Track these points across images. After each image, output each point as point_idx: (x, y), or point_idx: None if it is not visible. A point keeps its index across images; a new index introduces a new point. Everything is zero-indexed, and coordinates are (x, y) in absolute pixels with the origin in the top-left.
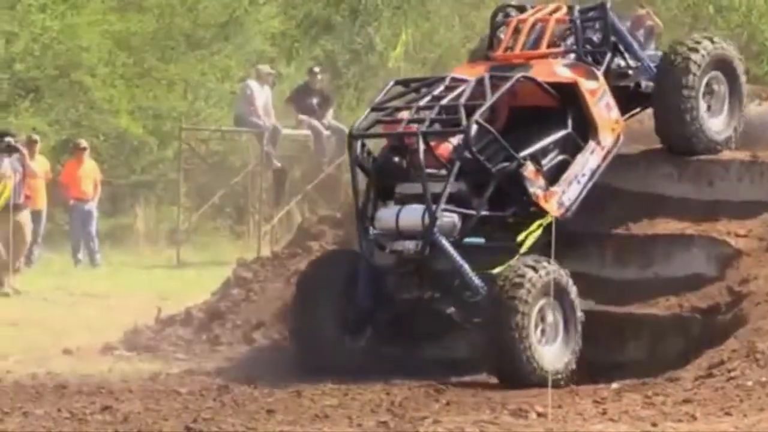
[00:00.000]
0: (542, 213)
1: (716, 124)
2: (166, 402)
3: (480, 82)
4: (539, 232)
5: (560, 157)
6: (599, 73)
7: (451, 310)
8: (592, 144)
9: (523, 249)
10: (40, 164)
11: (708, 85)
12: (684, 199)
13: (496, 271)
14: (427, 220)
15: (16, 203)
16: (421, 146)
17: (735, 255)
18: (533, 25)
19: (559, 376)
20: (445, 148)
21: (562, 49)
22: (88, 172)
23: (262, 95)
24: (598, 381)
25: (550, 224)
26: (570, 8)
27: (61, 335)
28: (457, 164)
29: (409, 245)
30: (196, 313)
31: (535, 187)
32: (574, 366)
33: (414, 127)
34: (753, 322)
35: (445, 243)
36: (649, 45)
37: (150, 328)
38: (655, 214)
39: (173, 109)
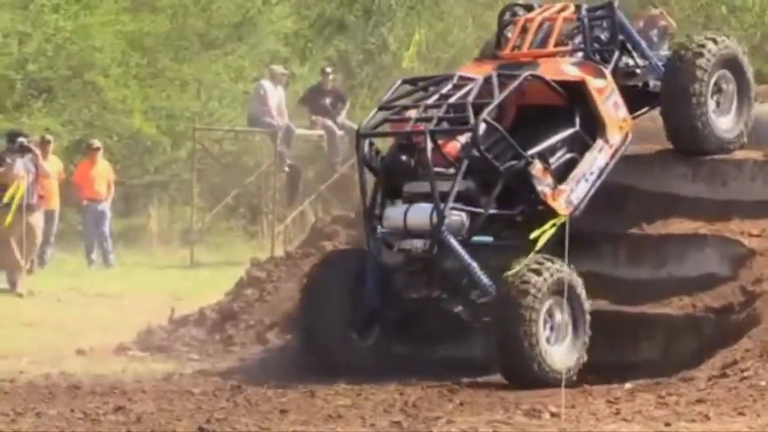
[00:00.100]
0: (550, 211)
1: (725, 122)
2: (180, 402)
3: (488, 80)
4: (552, 231)
5: (568, 156)
6: (607, 72)
7: (459, 309)
8: (600, 142)
9: (538, 247)
10: (53, 164)
11: (716, 84)
12: (697, 199)
13: (512, 272)
14: (435, 218)
15: (29, 203)
16: (429, 145)
17: (748, 255)
18: (541, 23)
19: (570, 374)
20: (453, 146)
21: (569, 47)
22: (102, 172)
23: (275, 95)
24: (612, 381)
25: (563, 223)
26: (578, 7)
27: (74, 335)
28: (465, 162)
29: (417, 244)
30: (209, 314)
31: (543, 185)
32: (582, 364)
33: (422, 125)
34: (766, 322)
35: (453, 242)
36: (662, 45)
37: (163, 328)
38: (669, 213)
39: (186, 109)
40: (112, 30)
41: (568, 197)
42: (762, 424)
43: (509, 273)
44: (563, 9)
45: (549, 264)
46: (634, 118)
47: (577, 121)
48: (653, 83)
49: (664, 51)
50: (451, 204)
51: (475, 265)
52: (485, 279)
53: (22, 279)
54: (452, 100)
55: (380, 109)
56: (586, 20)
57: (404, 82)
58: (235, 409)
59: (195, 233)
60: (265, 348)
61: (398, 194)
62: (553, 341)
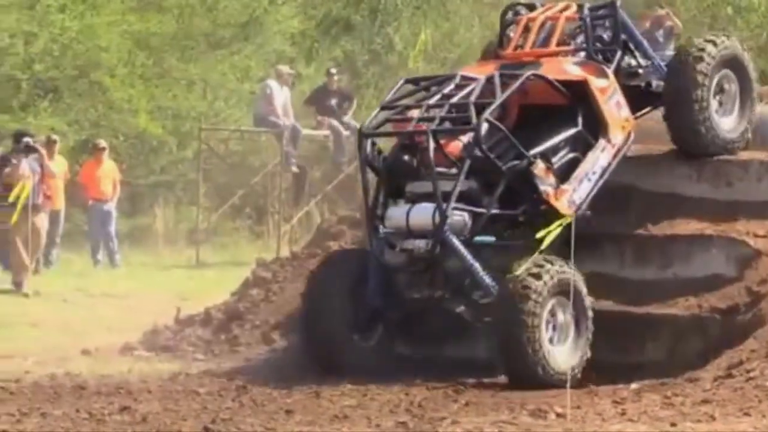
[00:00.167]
0: (553, 211)
1: (727, 122)
2: (185, 402)
3: (490, 80)
4: (558, 231)
5: (571, 155)
6: (609, 71)
7: (461, 309)
8: (602, 142)
9: (542, 247)
10: (59, 164)
11: (719, 84)
12: (703, 200)
13: (520, 271)
14: (437, 218)
15: (34, 204)
16: (431, 145)
17: (754, 255)
18: (543, 23)
19: (573, 374)
20: (455, 146)
21: (572, 47)
22: (107, 172)
23: (281, 95)
24: (618, 381)
25: (569, 223)
26: (580, 6)
27: (80, 336)
28: (468, 162)
29: (420, 244)
30: (215, 314)
31: (546, 185)
32: (585, 364)
33: (424, 125)
34: None
35: (456, 242)
36: (668, 45)
37: (169, 328)
38: (675, 214)
39: (193, 109)
40: (118, 30)
41: (571, 197)
42: (767, 424)
43: (512, 273)
44: (566, 8)
45: (551, 264)
46: (636, 118)
47: (580, 120)
48: (656, 83)
49: (670, 51)
50: (453, 204)
51: (477, 265)
52: (488, 279)
53: (27, 279)
54: (454, 99)
55: (382, 108)
56: (588, 20)
57: (407, 81)
58: (241, 410)
59: (201, 233)
60: (271, 348)
61: (401, 194)
62: (555, 341)
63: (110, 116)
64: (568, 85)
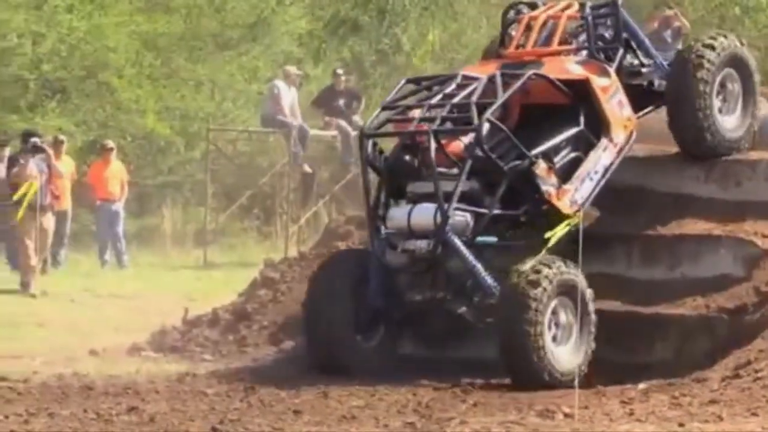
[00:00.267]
0: (555, 211)
1: (730, 122)
2: (193, 403)
3: (491, 79)
4: (565, 231)
5: (573, 155)
6: (611, 70)
7: (463, 310)
8: (604, 141)
9: (550, 244)
10: (66, 165)
11: (721, 83)
12: (711, 200)
13: (522, 270)
14: (439, 219)
15: (42, 204)
16: (433, 145)
17: (762, 255)
18: (545, 22)
19: (575, 375)
20: (457, 146)
21: (573, 46)
22: (115, 172)
23: (289, 96)
24: (625, 381)
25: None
26: (582, 5)
27: (87, 336)
28: (469, 162)
29: (421, 244)
30: (222, 314)
31: (548, 185)
32: (588, 364)
33: (425, 125)
34: None
35: (458, 242)
36: (676, 45)
37: (177, 329)
38: (683, 214)
39: (200, 109)
40: (126, 30)
41: (573, 196)
42: None
43: (513, 273)
44: (567, 7)
45: (553, 264)
46: (638, 117)
47: (582, 120)
48: (658, 82)
49: None
50: (455, 204)
51: (479, 266)
52: (490, 280)
53: (35, 280)
54: (456, 99)
55: (384, 108)
56: (590, 18)
57: (408, 81)
58: (249, 410)
59: (209, 234)
60: (279, 348)
61: (402, 194)
62: (558, 342)
63: (118, 117)
64: (570, 84)
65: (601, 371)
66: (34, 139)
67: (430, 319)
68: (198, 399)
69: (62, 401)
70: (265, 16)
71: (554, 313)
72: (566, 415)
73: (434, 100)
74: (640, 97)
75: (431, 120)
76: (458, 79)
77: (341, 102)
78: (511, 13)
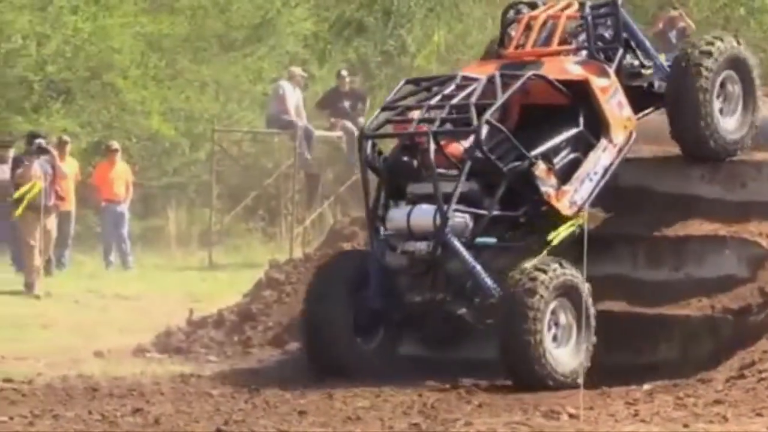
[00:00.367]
0: (554, 212)
1: (730, 124)
2: (198, 404)
3: (491, 80)
4: (569, 231)
5: (572, 156)
6: (611, 71)
7: (463, 311)
8: (604, 142)
9: (550, 247)
10: (70, 166)
11: (722, 84)
12: (716, 201)
13: (522, 271)
14: (438, 220)
15: (46, 205)
16: (432, 146)
17: (767, 256)
18: (545, 21)
19: (576, 376)
20: (456, 147)
21: (573, 46)
22: (120, 173)
23: (294, 97)
24: (630, 382)
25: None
26: (581, 5)
27: (92, 337)
28: (468, 164)
29: (421, 246)
30: (227, 315)
31: (547, 186)
32: (589, 365)
33: (424, 126)
34: None
35: (457, 244)
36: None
37: (182, 330)
38: (688, 215)
39: (205, 110)
40: (130, 31)
41: (572, 197)
42: None
43: (513, 275)
44: (567, 6)
45: (549, 268)
46: (638, 118)
47: (581, 120)
48: (658, 84)
49: None
50: (454, 206)
51: (479, 267)
52: (489, 281)
53: (39, 281)
54: (455, 100)
55: (383, 109)
56: (589, 18)
57: (407, 82)
58: (254, 411)
59: (213, 235)
60: (284, 350)
61: (401, 195)
62: (558, 342)
63: (123, 118)
64: (570, 84)
65: (606, 372)
66: (38, 141)
67: (430, 320)
68: (203, 400)
69: (67, 403)
70: (270, 17)
71: (553, 313)
72: (571, 416)
73: (433, 101)
74: (639, 98)
75: (431, 121)
76: (457, 80)
77: (346, 103)
78: (511, 13)
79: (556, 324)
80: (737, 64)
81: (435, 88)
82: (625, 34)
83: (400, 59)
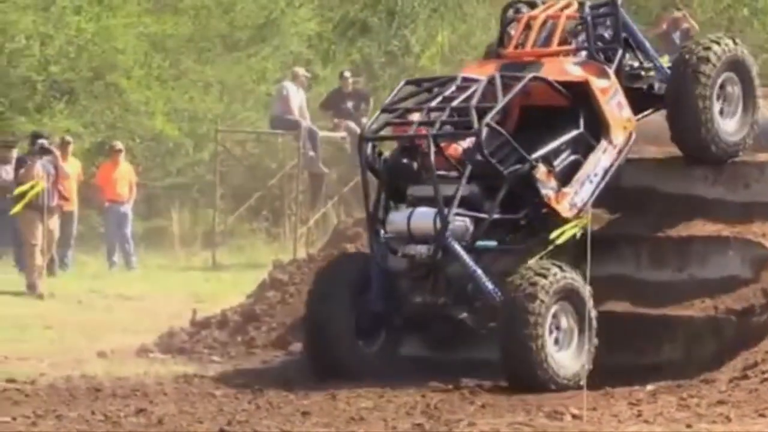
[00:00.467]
0: (554, 214)
1: (730, 125)
2: (201, 404)
3: (491, 81)
4: (573, 232)
5: (572, 158)
6: (611, 72)
7: (464, 315)
8: (604, 143)
9: (557, 243)
10: (72, 166)
11: (721, 86)
12: (720, 202)
13: (524, 278)
14: (439, 224)
15: (49, 206)
16: (432, 149)
17: None
18: (544, 21)
19: (578, 379)
20: (455, 149)
21: (573, 46)
22: (124, 174)
23: (297, 97)
24: (634, 383)
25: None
26: (581, 4)
27: (95, 338)
28: (469, 168)
29: (422, 249)
30: (231, 316)
31: (547, 188)
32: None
33: (425, 129)
34: None
35: (458, 248)
36: None
37: (185, 330)
38: (691, 216)
39: (209, 111)
40: (134, 32)
41: (572, 199)
42: None
43: (514, 278)
44: (566, 6)
45: (549, 273)
46: (638, 120)
47: (581, 122)
48: (658, 85)
49: None
50: (455, 209)
51: (480, 271)
52: (490, 285)
53: (42, 281)
54: (455, 103)
55: (383, 111)
56: (589, 18)
57: (407, 83)
58: (257, 412)
59: (217, 235)
60: (287, 350)
61: (402, 197)
62: (560, 345)
63: (126, 118)
64: (570, 85)
65: (609, 372)
66: (41, 141)
67: (432, 322)
68: (206, 401)
69: (70, 403)
70: (274, 17)
71: (555, 317)
72: (574, 417)
73: (433, 103)
74: (639, 99)
75: (431, 124)
76: (458, 81)
77: (349, 104)
78: (510, 12)
79: (558, 328)
80: (736, 66)
81: (435, 90)
82: (624, 35)
83: (404, 60)
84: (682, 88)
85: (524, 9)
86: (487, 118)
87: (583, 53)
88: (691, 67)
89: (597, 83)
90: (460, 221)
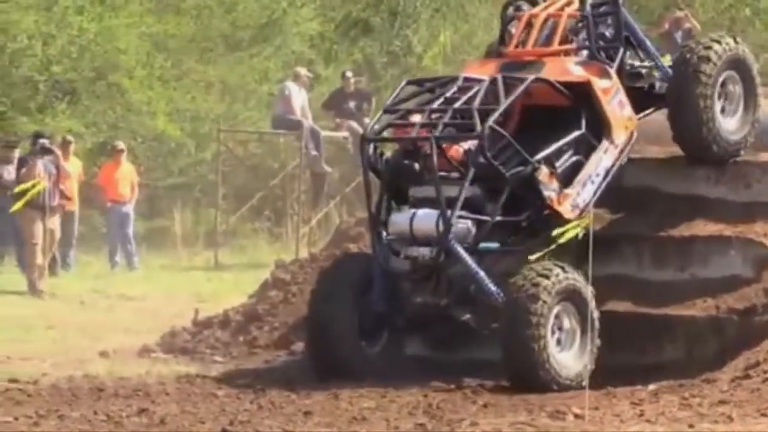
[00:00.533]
0: (556, 216)
1: (731, 124)
2: (203, 404)
3: (493, 82)
4: (575, 233)
5: (574, 158)
6: (612, 71)
7: (467, 317)
8: (605, 143)
9: (560, 242)
10: (73, 165)
11: (723, 85)
12: (721, 201)
13: (526, 279)
14: (441, 226)
15: (51, 205)
16: (435, 151)
17: None
18: (545, 20)
19: (581, 380)
20: (456, 150)
21: (574, 45)
22: (126, 174)
23: (299, 97)
24: (636, 382)
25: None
26: (582, 2)
27: (97, 338)
28: (472, 171)
29: (424, 251)
30: (233, 316)
31: (550, 190)
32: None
33: (427, 131)
34: None
35: (461, 250)
36: None
37: (187, 330)
38: (693, 216)
39: (211, 111)
40: (136, 32)
41: (574, 201)
42: None
43: (517, 280)
44: (568, 4)
45: (551, 273)
46: (638, 119)
47: (583, 122)
48: (659, 84)
49: None
50: (458, 212)
51: (482, 273)
52: (492, 287)
53: (43, 280)
54: (458, 104)
55: (385, 112)
56: (590, 17)
57: (409, 83)
58: (259, 412)
59: (219, 235)
60: (290, 350)
61: (404, 198)
62: (562, 346)
63: (128, 118)
64: (571, 86)
65: (611, 372)
66: (42, 141)
67: (434, 322)
68: (208, 400)
69: (72, 403)
70: (276, 17)
71: (557, 318)
72: (576, 416)
73: (435, 104)
74: (640, 99)
75: (433, 126)
76: (459, 82)
77: (352, 104)
78: (511, 10)
79: (560, 328)
80: (737, 65)
81: (437, 90)
82: (625, 33)
83: (406, 60)
84: (684, 87)
85: (525, 6)
86: (490, 121)
87: (584, 52)
88: (692, 66)
89: (599, 84)
90: (463, 223)
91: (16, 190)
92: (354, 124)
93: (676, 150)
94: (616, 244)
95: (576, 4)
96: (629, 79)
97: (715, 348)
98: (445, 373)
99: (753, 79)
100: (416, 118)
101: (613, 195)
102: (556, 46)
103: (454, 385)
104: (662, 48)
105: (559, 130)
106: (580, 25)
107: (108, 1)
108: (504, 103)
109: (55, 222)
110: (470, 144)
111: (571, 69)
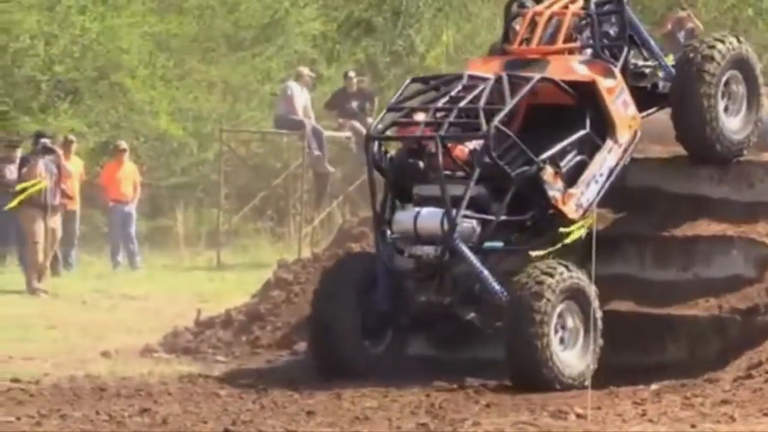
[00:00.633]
0: (561, 215)
1: (735, 123)
2: (206, 404)
3: (498, 81)
4: (579, 233)
5: (578, 158)
6: (616, 70)
7: (471, 316)
8: (609, 143)
9: (566, 241)
10: (74, 165)
11: (726, 84)
12: (724, 201)
13: (530, 278)
14: (446, 225)
15: (52, 205)
16: (440, 150)
17: None
18: (549, 18)
19: (584, 379)
20: (461, 150)
21: (578, 44)
22: (128, 173)
23: (302, 97)
24: (638, 382)
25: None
26: (586, 1)
27: (99, 338)
28: (477, 171)
29: (428, 250)
30: (236, 315)
31: (554, 190)
32: (594, 367)
33: (432, 129)
34: None
35: (465, 249)
36: None
37: (189, 330)
38: (696, 215)
39: (213, 110)
40: (138, 31)
41: (579, 200)
42: None
43: (521, 279)
44: (572, 2)
45: (556, 272)
46: (642, 118)
47: (587, 122)
48: (662, 84)
49: None
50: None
51: (486, 272)
52: (497, 286)
53: (44, 278)
54: (463, 103)
55: (390, 110)
56: (594, 15)
57: (413, 81)
58: (262, 411)
59: (222, 235)
60: (292, 350)
61: (408, 196)
62: (565, 345)
63: (131, 118)
64: (576, 85)
65: (614, 372)
66: (43, 140)
67: (438, 321)
68: (211, 400)
69: (74, 403)
70: (278, 17)
71: (560, 317)
72: (579, 416)
73: (440, 103)
74: (644, 98)
75: (438, 125)
76: (464, 80)
77: (354, 104)
78: (514, 7)
79: (563, 327)
80: (741, 64)
81: (441, 88)
82: (630, 32)
83: (409, 59)
84: (687, 86)
85: (529, 4)
86: (496, 121)
87: (588, 51)
88: (695, 66)
89: (603, 83)
90: (467, 222)
91: (18, 188)
92: (356, 124)
93: (679, 149)
94: (619, 244)
95: (580, 3)
96: (633, 78)
97: (718, 348)
98: (448, 372)
99: (756, 79)
100: (420, 117)
101: (616, 194)
102: (560, 44)
103: (457, 385)
104: (665, 48)
105: (564, 129)
106: (584, 23)
107: (110, 1)
108: (510, 103)
109: (56, 221)
110: (475, 144)
111: (576, 68)
